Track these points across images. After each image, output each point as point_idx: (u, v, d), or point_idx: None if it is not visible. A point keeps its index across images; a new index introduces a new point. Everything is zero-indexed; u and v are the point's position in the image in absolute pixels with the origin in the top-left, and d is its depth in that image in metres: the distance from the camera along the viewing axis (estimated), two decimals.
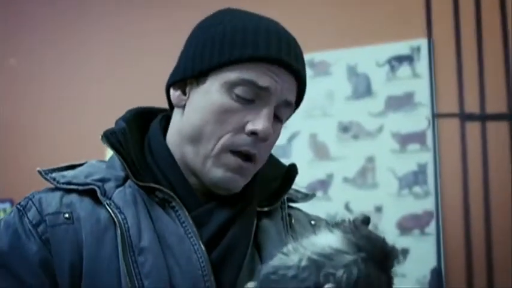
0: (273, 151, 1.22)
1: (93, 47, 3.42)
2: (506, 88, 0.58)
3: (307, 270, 0.86)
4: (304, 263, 0.87)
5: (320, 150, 2.94)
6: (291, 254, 0.89)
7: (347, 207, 2.85)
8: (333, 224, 0.93)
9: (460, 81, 0.63)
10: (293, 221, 1.24)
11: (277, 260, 0.90)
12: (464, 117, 0.59)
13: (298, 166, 1.28)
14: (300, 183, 1.28)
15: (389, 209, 2.80)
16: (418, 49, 2.82)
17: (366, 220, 0.93)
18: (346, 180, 2.89)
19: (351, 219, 0.92)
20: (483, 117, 0.59)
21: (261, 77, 1.11)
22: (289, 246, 0.91)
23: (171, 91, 1.19)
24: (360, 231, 0.90)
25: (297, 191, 1.30)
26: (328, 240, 0.89)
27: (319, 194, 2.84)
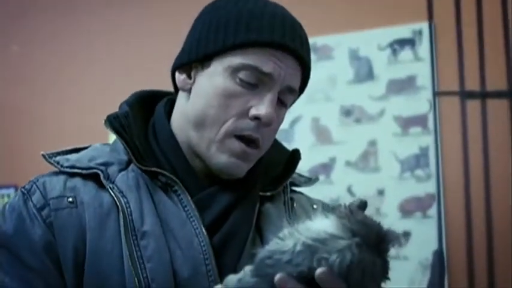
0: (276, 135, 1.23)
1: (94, 32, 3.42)
2: (506, 67, 0.59)
3: (302, 255, 0.87)
4: (298, 247, 0.87)
5: (322, 134, 2.95)
6: (287, 239, 0.90)
7: (349, 191, 2.86)
8: (329, 209, 0.93)
9: (460, 59, 0.63)
10: (295, 205, 1.24)
11: (273, 245, 0.91)
12: (465, 94, 0.60)
13: (300, 150, 1.28)
14: (302, 167, 1.28)
15: (391, 192, 2.81)
16: (420, 32, 2.82)
17: (362, 205, 0.93)
18: (348, 163, 2.90)
19: (347, 204, 0.93)
20: (483, 95, 0.60)
21: (265, 62, 1.11)
22: (285, 231, 0.91)
23: (177, 74, 1.19)
24: (355, 216, 0.90)
25: (300, 175, 1.30)
26: (323, 225, 0.90)
27: (321, 177, 2.85)
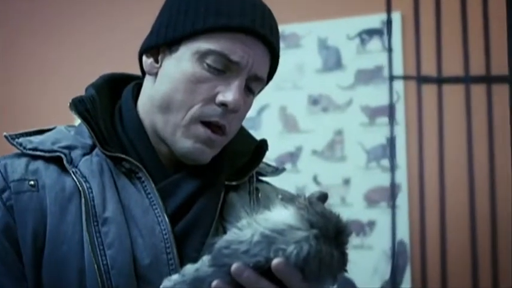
0: (243, 123, 1.22)
1: (80, 16, 3.37)
2: (463, 52, 0.59)
3: (259, 246, 0.87)
4: (256, 238, 0.87)
5: (289, 123, 2.95)
6: (245, 229, 0.90)
7: (315, 180, 2.87)
8: (289, 200, 0.93)
9: (417, 45, 0.63)
10: (260, 195, 1.24)
11: (231, 235, 0.91)
12: (421, 79, 0.60)
13: (267, 138, 1.28)
14: (269, 155, 1.28)
15: (357, 181, 2.82)
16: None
17: (322, 197, 0.94)
18: (314, 152, 2.91)
19: (306, 195, 0.93)
20: (440, 80, 0.60)
21: (233, 50, 1.10)
22: (244, 221, 0.91)
23: (144, 58, 1.18)
24: (314, 208, 0.90)
25: (267, 164, 1.30)
26: (281, 216, 0.90)
27: (287, 166, 2.85)
